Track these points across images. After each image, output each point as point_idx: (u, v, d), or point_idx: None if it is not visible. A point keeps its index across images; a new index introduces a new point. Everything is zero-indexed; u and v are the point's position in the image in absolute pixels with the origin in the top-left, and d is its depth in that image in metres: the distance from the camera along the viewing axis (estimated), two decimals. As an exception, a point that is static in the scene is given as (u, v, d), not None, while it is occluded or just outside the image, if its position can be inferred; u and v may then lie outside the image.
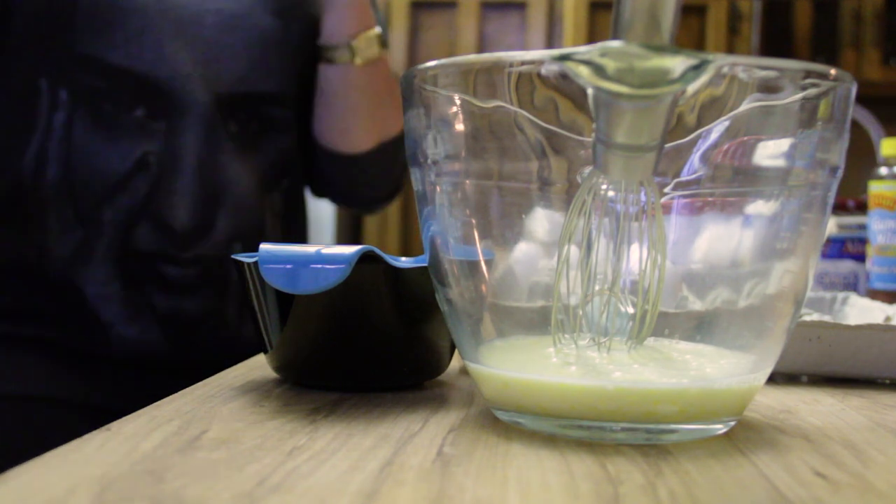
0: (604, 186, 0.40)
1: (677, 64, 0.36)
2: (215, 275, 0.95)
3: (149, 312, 0.91)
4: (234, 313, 0.97)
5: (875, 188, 0.97)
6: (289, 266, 0.47)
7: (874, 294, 0.95)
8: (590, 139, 0.39)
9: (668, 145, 0.39)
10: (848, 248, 1.06)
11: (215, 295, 0.95)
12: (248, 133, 0.97)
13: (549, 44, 2.61)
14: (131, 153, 0.89)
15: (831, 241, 1.06)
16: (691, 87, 0.37)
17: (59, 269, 0.89)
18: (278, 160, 1.01)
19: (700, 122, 0.39)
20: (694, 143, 0.39)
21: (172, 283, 0.92)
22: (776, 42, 2.68)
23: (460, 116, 0.42)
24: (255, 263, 0.50)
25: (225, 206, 0.94)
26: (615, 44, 0.36)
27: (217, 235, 0.94)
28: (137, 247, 0.90)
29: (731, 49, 2.56)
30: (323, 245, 0.50)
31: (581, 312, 0.42)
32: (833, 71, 0.39)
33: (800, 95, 0.39)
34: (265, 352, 0.54)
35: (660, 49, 0.35)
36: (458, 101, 0.41)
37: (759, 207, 0.42)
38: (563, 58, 0.37)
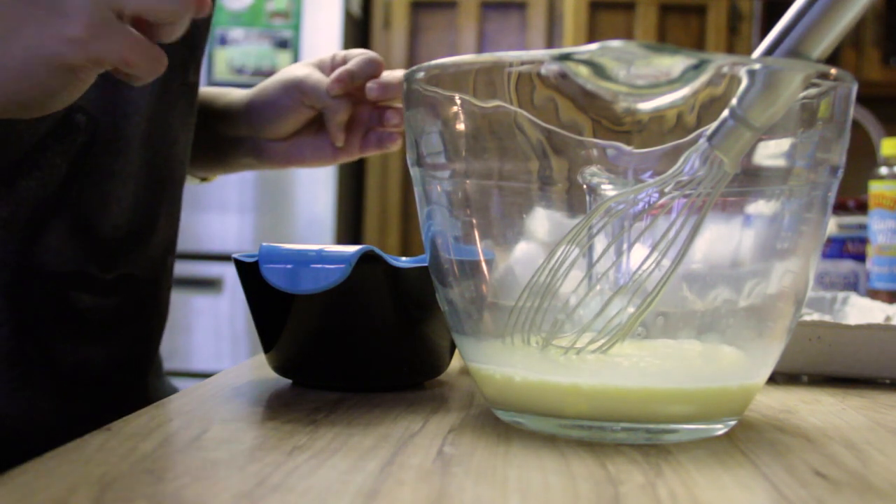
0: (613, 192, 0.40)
1: (676, 64, 0.36)
2: (144, 310, 0.65)
3: (44, 374, 0.57)
4: (157, 370, 0.68)
5: (875, 188, 0.97)
6: (289, 266, 0.47)
7: (874, 294, 0.95)
8: (589, 139, 0.39)
9: (667, 145, 0.39)
10: (848, 248, 1.05)
11: (137, 340, 0.65)
12: (195, 85, 0.68)
13: (549, 44, 2.61)
14: None
15: (831, 241, 1.06)
16: (690, 87, 0.37)
17: None
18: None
19: (700, 122, 0.39)
20: (694, 142, 0.39)
21: (83, 322, 0.60)
22: (776, 42, 2.68)
23: (460, 116, 0.42)
24: (256, 263, 0.50)
25: (169, 199, 0.66)
26: (615, 43, 0.36)
27: (156, 245, 0.65)
28: (41, 264, 0.57)
29: (731, 49, 2.56)
30: (323, 245, 0.50)
31: (581, 312, 0.42)
32: (833, 71, 0.39)
33: (800, 95, 0.39)
34: (266, 352, 0.54)
35: (659, 49, 0.35)
36: (458, 101, 0.41)
37: (760, 207, 0.42)
38: (563, 58, 0.37)
